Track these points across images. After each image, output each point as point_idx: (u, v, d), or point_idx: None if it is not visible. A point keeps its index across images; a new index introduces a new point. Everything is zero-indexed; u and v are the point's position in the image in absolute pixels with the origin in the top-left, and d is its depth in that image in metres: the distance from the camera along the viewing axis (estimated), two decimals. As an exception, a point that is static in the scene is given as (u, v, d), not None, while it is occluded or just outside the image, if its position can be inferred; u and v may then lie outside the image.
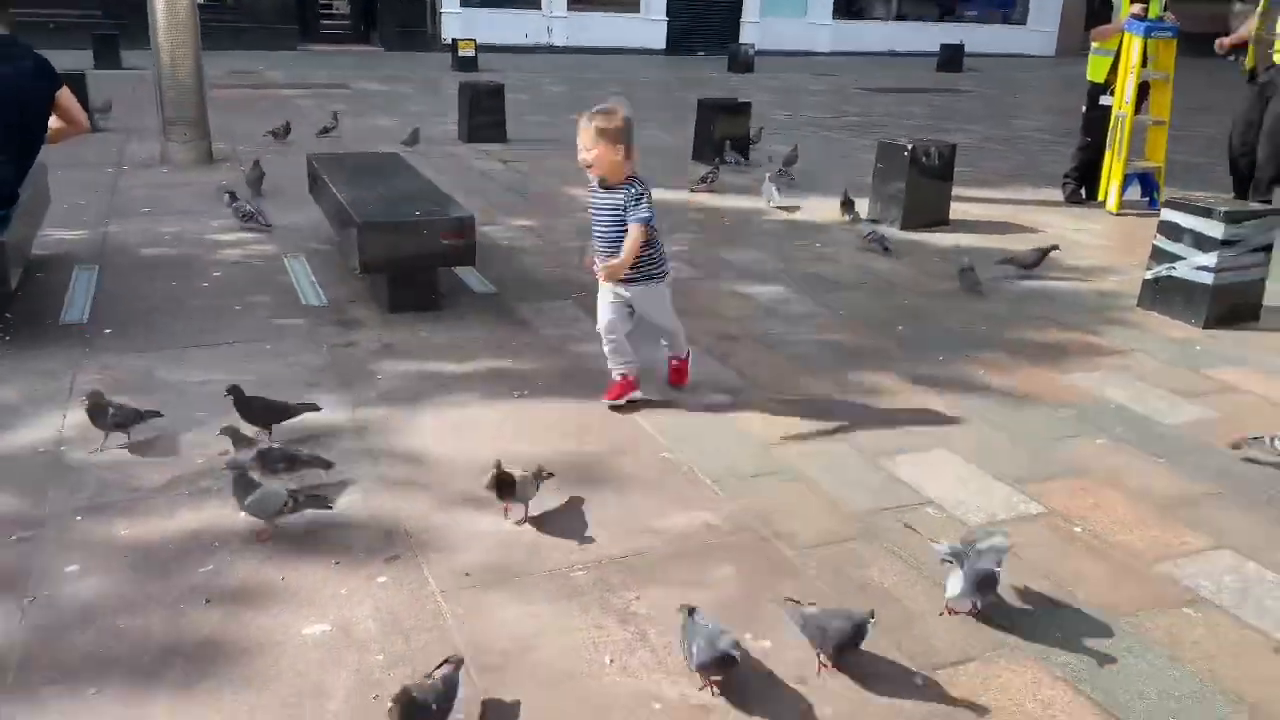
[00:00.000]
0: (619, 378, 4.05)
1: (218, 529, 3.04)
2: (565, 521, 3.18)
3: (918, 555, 3.03)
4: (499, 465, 3.07)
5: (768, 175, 8.45)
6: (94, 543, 2.94)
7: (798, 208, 8.03)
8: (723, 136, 9.91)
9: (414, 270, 5.09)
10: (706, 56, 25.50)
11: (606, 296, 3.97)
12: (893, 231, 7.15)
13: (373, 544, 3.00)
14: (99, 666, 2.42)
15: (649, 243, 3.85)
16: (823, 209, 7.85)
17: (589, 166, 3.76)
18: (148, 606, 2.66)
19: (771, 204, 8.06)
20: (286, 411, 3.66)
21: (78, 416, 3.61)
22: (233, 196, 6.79)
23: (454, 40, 20.49)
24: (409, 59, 21.75)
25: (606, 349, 4.03)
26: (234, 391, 3.58)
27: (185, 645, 2.51)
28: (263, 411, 3.63)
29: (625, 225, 3.78)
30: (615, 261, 3.81)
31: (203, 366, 4.24)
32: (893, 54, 28.36)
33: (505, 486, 3.07)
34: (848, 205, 7.41)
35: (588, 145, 3.71)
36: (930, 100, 17.50)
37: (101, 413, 3.46)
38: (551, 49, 25.15)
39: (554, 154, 10.28)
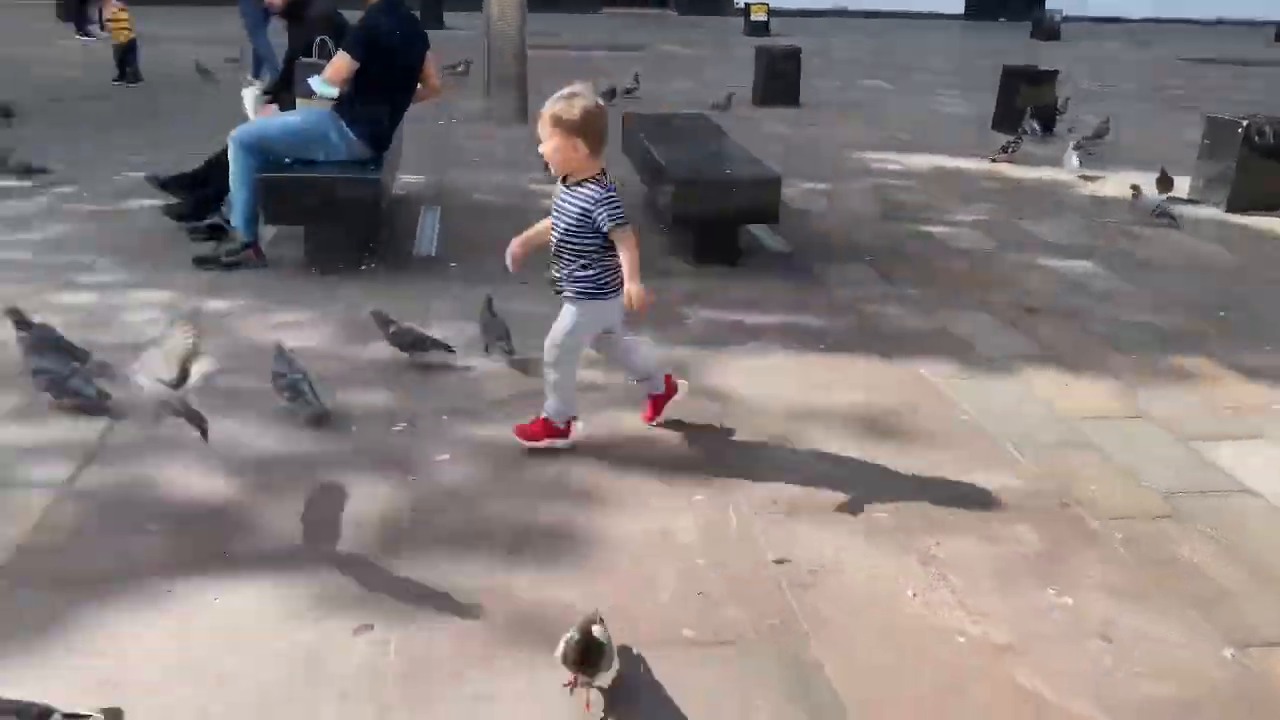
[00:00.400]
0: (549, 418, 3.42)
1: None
2: (860, 468, 3.36)
3: (1233, 539, 2.97)
4: (589, 629, 2.18)
5: (1071, 144, 8.12)
6: (459, 439, 3.45)
7: (1102, 178, 7.66)
8: (1025, 106, 9.55)
9: (720, 225, 5.39)
10: (1008, 22, 24.24)
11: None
12: (1214, 212, 6.69)
13: (690, 466, 3.32)
14: (470, 540, 2.87)
15: (605, 253, 3.22)
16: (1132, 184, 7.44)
17: (547, 161, 3.22)
18: (507, 496, 3.10)
19: (1074, 173, 7.75)
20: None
21: (437, 333, 4.18)
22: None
23: (747, 4, 20.70)
24: (701, 23, 22.21)
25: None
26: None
27: (539, 531, 2.92)
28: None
29: (585, 230, 3.19)
30: (633, 285, 3.16)
31: (534, 301, 4.70)
32: (1220, 22, 25.72)
33: (592, 654, 2.18)
34: (1165, 182, 6.99)
35: (544, 136, 3.17)
36: (1267, 74, 15.81)
37: (383, 329, 3.97)
38: (844, 13, 24.81)
39: (845, 119, 10.32)
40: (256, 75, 11.03)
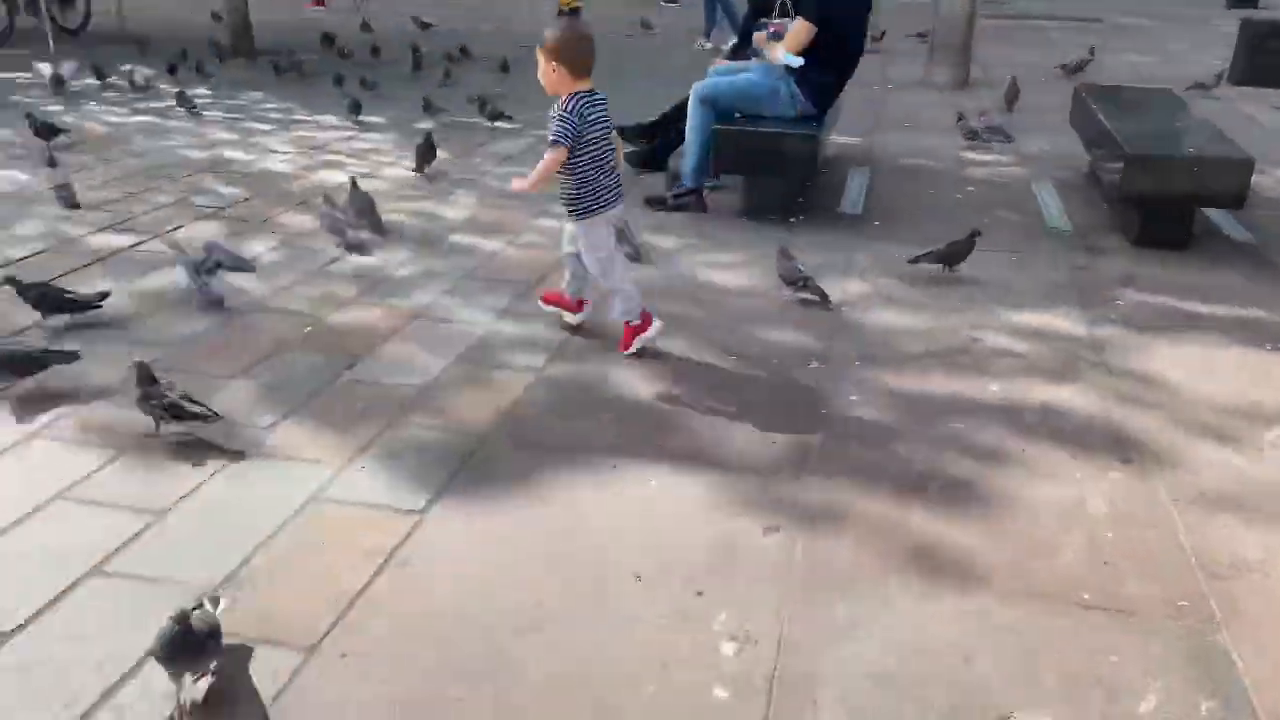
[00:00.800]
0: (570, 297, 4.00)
1: (969, 397, 3.53)
2: (1314, 475, 3.07)
3: None
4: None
5: None
6: (869, 382, 3.62)
7: None
8: None
9: (1172, 206, 5.01)
10: None
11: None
12: None
13: (1105, 443, 3.23)
14: (873, 472, 3.04)
15: (573, 171, 3.57)
16: None
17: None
18: (912, 440, 3.23)
19: None
20: (62, 304, 3.84)
21: (855, 286, 4.36)
22: (960, 115, 7.31)
23: (1234, -29, 18.30)
24: (1176, -8, 20.01)
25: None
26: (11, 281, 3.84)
27: (942, 476, 3.02)
28: (38, 299, 3.82)
29: None
30: (519, 179, 3.64)
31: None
32: None
33: None
34: None
35: (539, 62, 3.54)
36: None
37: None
38: (1360, -19, 21.06)
39: (1347, 103, 8.96)
40: (707, 36, 11.81)
